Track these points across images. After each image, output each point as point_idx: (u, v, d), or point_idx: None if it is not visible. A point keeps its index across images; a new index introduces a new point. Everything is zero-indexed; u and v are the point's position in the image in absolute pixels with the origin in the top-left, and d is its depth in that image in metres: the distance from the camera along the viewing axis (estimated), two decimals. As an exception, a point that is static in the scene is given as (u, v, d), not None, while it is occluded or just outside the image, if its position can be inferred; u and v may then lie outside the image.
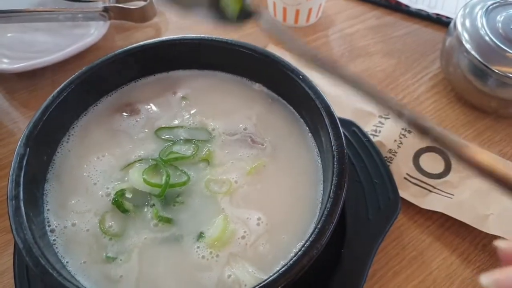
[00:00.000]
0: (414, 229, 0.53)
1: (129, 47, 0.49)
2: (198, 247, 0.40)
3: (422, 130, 0.35)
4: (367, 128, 0.60)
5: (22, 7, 0.66)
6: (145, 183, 0.42)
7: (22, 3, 0.69)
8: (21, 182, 0.39)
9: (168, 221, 0.41)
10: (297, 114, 0.50)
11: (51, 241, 0.40)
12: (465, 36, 0.61)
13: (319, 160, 0.46)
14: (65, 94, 0.45)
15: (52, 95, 0.44)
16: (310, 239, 0.36)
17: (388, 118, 0.61)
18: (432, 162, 0.57)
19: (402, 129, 0.60)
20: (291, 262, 0.35)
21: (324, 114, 0.43)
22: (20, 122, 0.64)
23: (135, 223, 0.42)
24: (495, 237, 0.50)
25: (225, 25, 0.42)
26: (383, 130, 0.60)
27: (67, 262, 0.39)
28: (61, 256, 0.40)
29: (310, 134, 0.48)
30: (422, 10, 0.78)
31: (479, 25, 0.61)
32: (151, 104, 0.51)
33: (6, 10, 0.64)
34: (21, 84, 0.68)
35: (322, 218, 0.37)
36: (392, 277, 0.50)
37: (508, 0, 0.63)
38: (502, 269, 0.29)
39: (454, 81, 0.66)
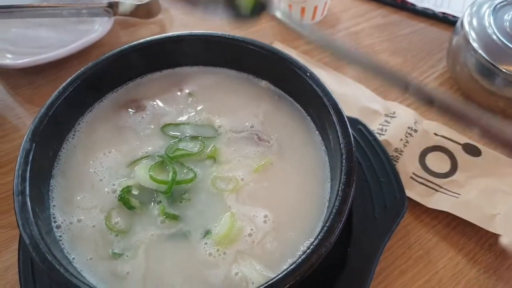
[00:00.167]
0: (420, 228, 0.53)
1: (135, 42, 0.49)
2: (206, 244, 0.40)
3: (428, 99, 0.34)
4: (373, 127, 0.59)
5: (25, 2, 0.66)
6: (152, 179, 0.42)
7: (26, -2, 0.69)
8: (27, 178, 0.39)
9: (175, 218, 0.41)
10: (304, 111, 0.49)
11: (57, 237, 0.40)
12: (472, 35, 0.61)
13: (326, 158, 0.46)
14: (71, 90, 0.45)
15: (58, 90, 0.44)
16: (319, 237, 0.36)
17: (394, 117, 0.61)
18: (438, 161, 0.57)
19: (408, 128, 0.59)
20: (299, 260, 0.35)
21: (332, 112, 0.43)
22: (24, 118, 0.63)
23: (141, 219, 0.41)
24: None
25: (239, 21, 0.42)
26: (389, 129, 0.59)
27: (73, 258, 0.39)
28: (67, 252, 0.39)
29: (317, 132, 0.48)
30: (428, 9, 0.77)
31: (487, 24, 0.61)
32: (157, 101, 0.50)
33: (9, 5, 0.63)
34: (25, 80, 0.67)
35: (331, 216, 0.37)
36: (398, 276, 0.50)
37: (516, -1, 0.63)
38: None
39: (460, 80, 0.66)
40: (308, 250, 0.35)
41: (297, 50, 0.71)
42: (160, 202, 0.42)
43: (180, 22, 0.78)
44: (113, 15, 0.69)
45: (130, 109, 0.49)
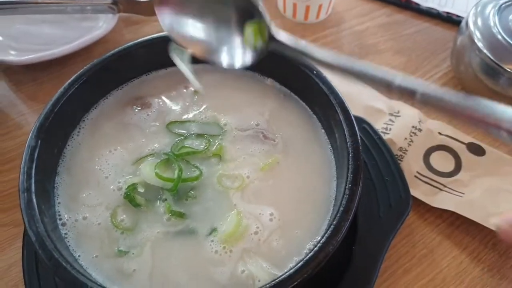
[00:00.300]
0: (424, 227, 0.53)
1: (140, 39, 0.49)
2: (212, 241, 0.39)
3: (411, 94, 0.33)
4: (378, 126, 0.59)
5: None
6: (157, 177, 0.42)
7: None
8: (33, 175, 0.39)
9: (181, 215, 0.41)
10: (309, 110, 0.49)
11: (63, 235, 0.40)
12: (477, 35, 0.61)
13: (332, 157, 0.46)
14: (76, 86, 0.44)
15: (64, 87, 0.44)
16: (326, 235, 0.36)
17: (399, 116, 0.61)
18: (442, 161, 0.57)
19: (413, 127, 0.59)
20: (307, 258, 0.35)
21: (338, 110, 0.43)
22: (28, 115, 0.63)
23: (147, 217, 0.41)
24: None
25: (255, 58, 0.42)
26: (394, 128, 0.59)
27: (78, 256, 0.39)
28: (73, 250, 0.39)
29: (323, 131, 0.48)
30: (432, 9, 0.77)
31: (492, 23, 0.61)
32: (162, 98, 0.50)
33: (13, 1, 0.63)
34: (28, 77, 0.67)
35: (338, 215, 0.37)
36: (402, 274, 0.50)
37: (521, -1, 0.63)
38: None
39: (464, 80, 0.66)
40: (315, 248, 0.35)
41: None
42: (166, 199, 0.42)
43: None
44: (117, 12, 0.69)
45: (135, 106, 0.49)
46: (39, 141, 0.40)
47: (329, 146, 0.46)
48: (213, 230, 0.40)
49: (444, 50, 0.72)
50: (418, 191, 0.54)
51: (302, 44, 0.39)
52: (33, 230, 0.35)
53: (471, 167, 0.56)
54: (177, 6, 0.43)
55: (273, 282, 0.34)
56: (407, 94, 0.33)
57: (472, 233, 0.53)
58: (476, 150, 0.58)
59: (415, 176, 0.56)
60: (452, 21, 0.76)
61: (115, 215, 0.41)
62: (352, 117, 0.42)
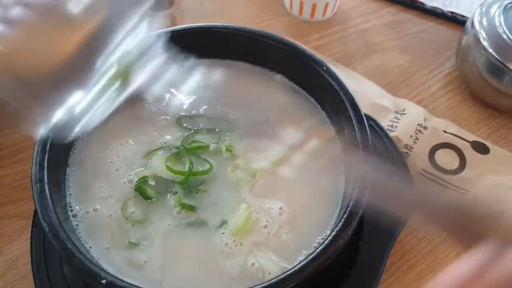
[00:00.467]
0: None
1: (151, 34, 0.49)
2: (223, 233, 0.40)
3: None
4: (383, 123, 0.60)
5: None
6: (169, 170, 0.42)
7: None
8: (45, 166, 0.39)
9: (191, 208, 0.41)
10: (318, 106, 0.50)
11: (74, 226, 0.40)
12: (482, 34, 0.61)
13: (341, 152, 0.46)
14: (88, 79, 0.45)
15: (75, 79, 0.44)
16: (337, 228, 0.36)
17: (404, 114, 0.62)
18: (447, 158, 0.58)
19: (418, 124, 0.60)
20: (318, 250, 0.35)
21: (348, 106, 0.43)
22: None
23: (157, 210, 0.42)
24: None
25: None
26: (399, 126, 0.60)
27: (90, 247, 0.39)
28: (84, 241, 0.40)
29: (331, 126, 0.48)
30: (437, 8, 0.78)
31: (497, 23, 0.61)
32: (172, 92, 0.50)
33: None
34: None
35: (349, 209, 0.37)
36: (407, 270, 0.50)
37: (526, -1, 0.64)
38: None
39: (469, 79, 0.67)
40: (326, 241, 0.36)
41: (308, 46, 0.71)
42: (176, 193, 0.42)
43: (190, 16, 0.77)
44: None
45: (144, 100, 0.49)
46: (51, 132, 0.41)
47: (338, 141, 0.47)
48: (224, 222, 0.41)
49: (449, 49, 0.73)
50: (423, 188, 0.55)
51: None
52: (46, 221, 0.36)
53: (476, 165, 0.57)
54: None
55: (284, 275, 0.34)
56: None
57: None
58: (481, 148, 0.58)
59: (420, 173, 0.56)
60: (456, 20, 0.76)
61: (126, 208, 0.41)
62: (362, 113, 0.43)
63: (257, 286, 0.33)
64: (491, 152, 0.58)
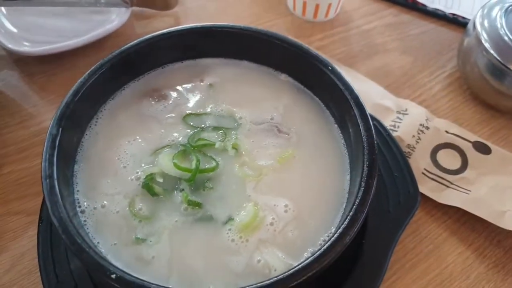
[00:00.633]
0: (431, 223, 0.54)
1: (158, 33, 0.49)
2: (230, 230, 0.40)
3: None
4: (386, 123, 0.60)
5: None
6: (176, 167, 0.42)
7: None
8: (54, 162, 0.39)
9: (198, 205, 0.42)
10: (323, 105, 0.50)
11: (82, 222, 0.40)
12: (484, 36, 0.62)
13: (345, 151, 0.47)
14: (96, 77, 0.45)
15: (84, 76, 0.45)
16: (343, 226, 0.37)
17: (406, 114, 0.62)
18: (449, 158, 0.58)
19: (420, 125, 0.61)
20: (324, 248, 0.36)
21: (353, 105, 0.44)
22: (40, 106, 0.63)
23: (165, 206, 0.42)
24: (511, 233, 0.52)
25: None
26: (402, 126, 0.61)
27: (98, 243, 0.40)
28: (92, 237, 0.40)
29: (336, 125, 0.48)
30: (438, 10, 0.79)
31: (498, 25, 0.62)
32: (178, 90, 0.51)
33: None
34: (41, 68, 0.67)
35: (354, 206, 0.38)
36: (409, 269, 0.51)
37: (527, 2, 0.64)
38: None
39: (470, 80, 0.67)
40: (332, 239, 0.36)
41: (310, 46, 0.71)
42: (183, 189, 0.43)
43: (194, 15, 0.78)
44: (131, 5, 0.69)
45: (151, 98, 0.50)
46: (60, 129, 0.41)
47: (342, 140, 0.47)
48: (230, 219, 0.41)
49: (450, 50, 0.74)
50: (425, 187, 0.56)
51: None
52: (56, 216, 0.36)
53: (477, 165, 0.57)
54: None
55: (291, 271, 0.34)
56: None
57: (478, 230, 0.54)
58: (482, 148, 0.59)
59: (422, 173, 0.57)
60: (458, 22, 0.77)
61: (133, 204, 0.42)
62: (367, 112, 0.43)
63: (264, 282, 0.34)
64: (492, 152, 0.59)
